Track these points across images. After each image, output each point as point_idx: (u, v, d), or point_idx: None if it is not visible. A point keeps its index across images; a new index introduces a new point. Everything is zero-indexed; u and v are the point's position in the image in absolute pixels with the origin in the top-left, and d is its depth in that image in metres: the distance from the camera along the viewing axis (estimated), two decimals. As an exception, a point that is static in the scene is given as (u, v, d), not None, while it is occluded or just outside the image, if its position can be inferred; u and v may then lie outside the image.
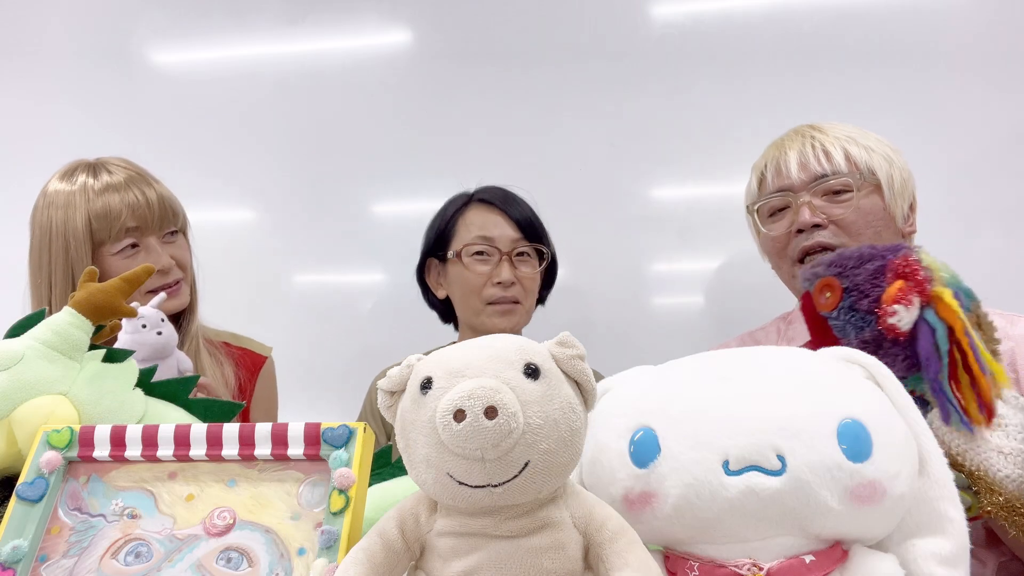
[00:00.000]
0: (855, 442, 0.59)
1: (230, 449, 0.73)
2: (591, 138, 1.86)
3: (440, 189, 1.58)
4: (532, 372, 0.57)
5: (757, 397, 0.62)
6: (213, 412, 0.91)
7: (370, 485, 0.78)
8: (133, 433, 0.74)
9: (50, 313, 0.89)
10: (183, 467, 0.74)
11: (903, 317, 0.75)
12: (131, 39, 2.09)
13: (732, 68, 1.80)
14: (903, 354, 0.75)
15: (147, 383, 0.91)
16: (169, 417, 0.88)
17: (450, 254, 1.49)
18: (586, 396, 0.60)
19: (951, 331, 0.74)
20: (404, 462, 0.60)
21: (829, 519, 0.59)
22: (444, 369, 0.57)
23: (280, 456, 0.73)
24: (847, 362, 0.67)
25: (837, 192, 1.21)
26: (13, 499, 0.72)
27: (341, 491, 0.69)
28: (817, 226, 1.20)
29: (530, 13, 1.91)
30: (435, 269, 1.54)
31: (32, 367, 0.82)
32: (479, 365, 0.56)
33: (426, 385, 0.57)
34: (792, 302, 1.37)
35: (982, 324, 0.83)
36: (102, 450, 0.74)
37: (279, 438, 0.73)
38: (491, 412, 0.53)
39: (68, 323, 0.86)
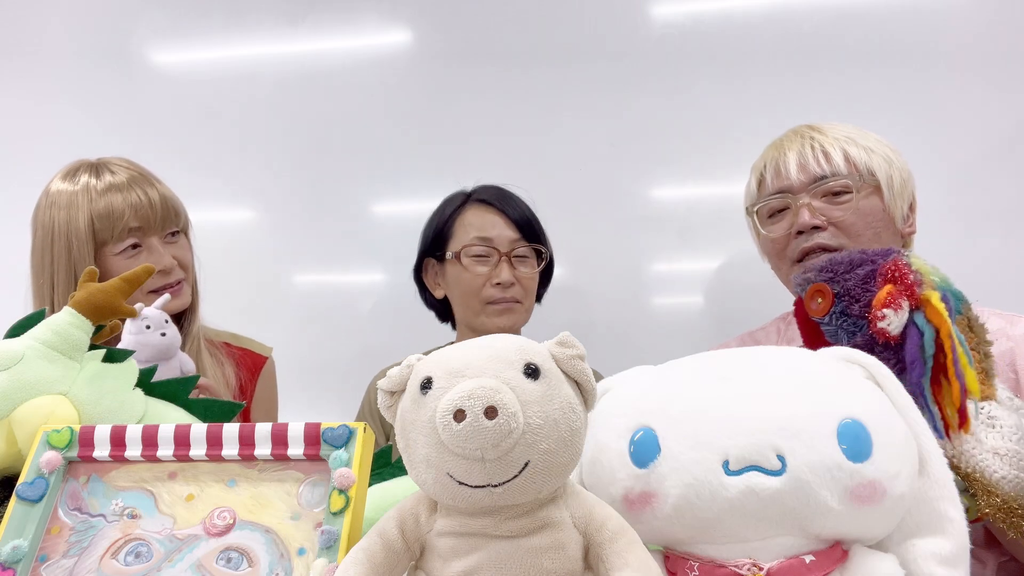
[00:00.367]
0: (855, 442, 0.59)
1: (230, 449, 0.73)
2: (591, 138, 1.86)
3: (440, 189, 1.58)
4: (532, 372, 0.57)
5: (757, 397, 0.62)
6: (213, 412, 0.91)
7: (370, 485, 0.78)
8: (133, 433, 0.74)
9: (52, 313, 0.89)
10: (183, 467, 0.74)
11: (893, 321, 0.75)
12: (131, 39, 2.09)
13: (732, 68, 1.80)
14: (895, 358, 0.76)
15: (147, 383, 0.91)
16: (169, 417, 0.89)
17: (448, 255, 1.49)
18: (586, 396, 0.60)
19: (938, 334, 0.74)
20: (404, 462, 0.60)
21: (829, 519, 0.59)
22: (444, 369, 0.57)
23: (280, 456, 0.73)
24: (847, 362, 0.67)
25: (836, 193, 1.21)
26: (13, 499, 0.72)
27: (341, 491, 0.69)
28: (817, 228, 1.20)
29: (530, 13, 1.91)
30: (433, 269, 1.54)
31: (32, 367, 0.82)
32: (479, 365, 0.56)
33: (426, 385, 0.57)
34: (792, 303, 1.37)
35: (973, 326, 0.83)
36: (102, 450, 0.74)
37: (279, 438, 0.73)
38: (491, 412, 0.53)
39: (68, 323, 0.86)
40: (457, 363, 0.57)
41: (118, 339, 0.99)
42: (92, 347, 0.89)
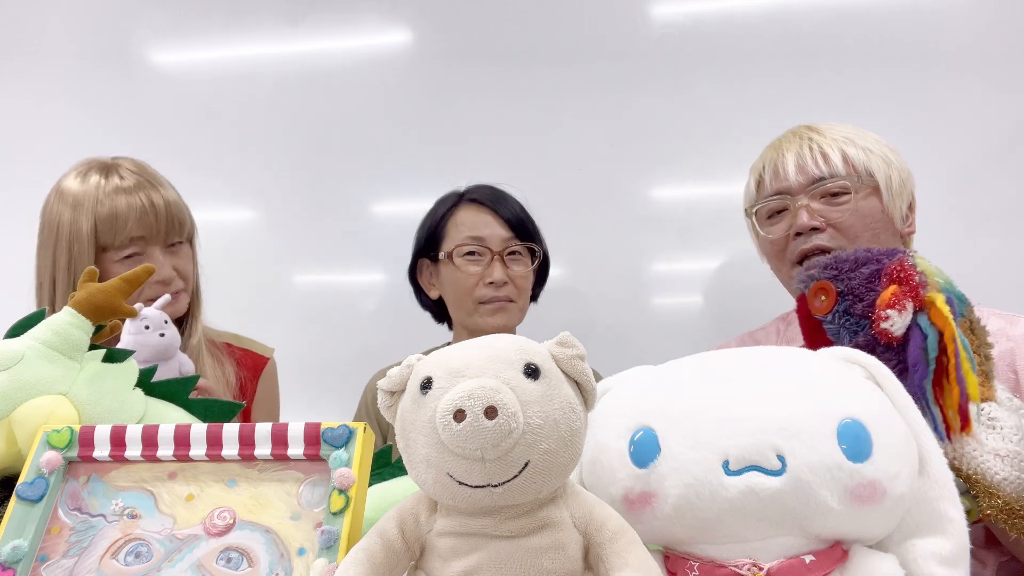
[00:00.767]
0: (855, 442, 0.59)
1: (230, 449, 0.73)
2: (591, 138, 1.86)
3: (440, 189, 1.58)
4: (532, 372, 0.57)
5: (757, 397, 0.62)
6: (213, 412, 0.91)
7: (370, 485, 0.78)
8: (133, 433, 0.74)
9: (52, 311, 0.89)
10: (183, 467, 0.74)
11: (896, 322, 0.75)
12: (131, 39, 2.09)
13: (732, 68, 1.80)
14: (896, 359, 0.75)
15: (147, 383, 0.91)
16: (169, 417, 0.88)
17: (441, 255, 1.49)
18: (586, 396, 0.60)
19: (941, 337, 0.74)
20: (404, 462, 0.60)
21: (829, 519, 0.59)
22: (444, 369, 0.57)
23: (280, 456, 0.73)
24: (847, 362, 0.67)
25: (835, 195, 1.21)
26: (13, 499, 0.72)
27: (341, 491, 0.69)
28: (815, 229, 1.20)
29: (530, 13, 1.91)
30: (427, 269, 1.54)
31: (32, 367, 0.82)
32: (479, 365, 0.56)
33: (426, 385, 0.57)
34: (791, 303, 1.37)
35: (975, 329, 0.83)
36: (102, 450, 0.74)
37: (279, 438, 0.73)
38: (491, 412, 0.53)
39: (68, 323, 0.86)
40: (457, 363, 0.57)
41: (118, 339, 0.99)
42: (92, 347, 0.89)
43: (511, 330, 1.49)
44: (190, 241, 1.36)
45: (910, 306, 0.75)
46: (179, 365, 1.06)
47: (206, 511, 0.72)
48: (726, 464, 0.59)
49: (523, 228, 1.49)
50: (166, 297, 1.08)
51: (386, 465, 0.86)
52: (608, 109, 1.86)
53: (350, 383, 1.62)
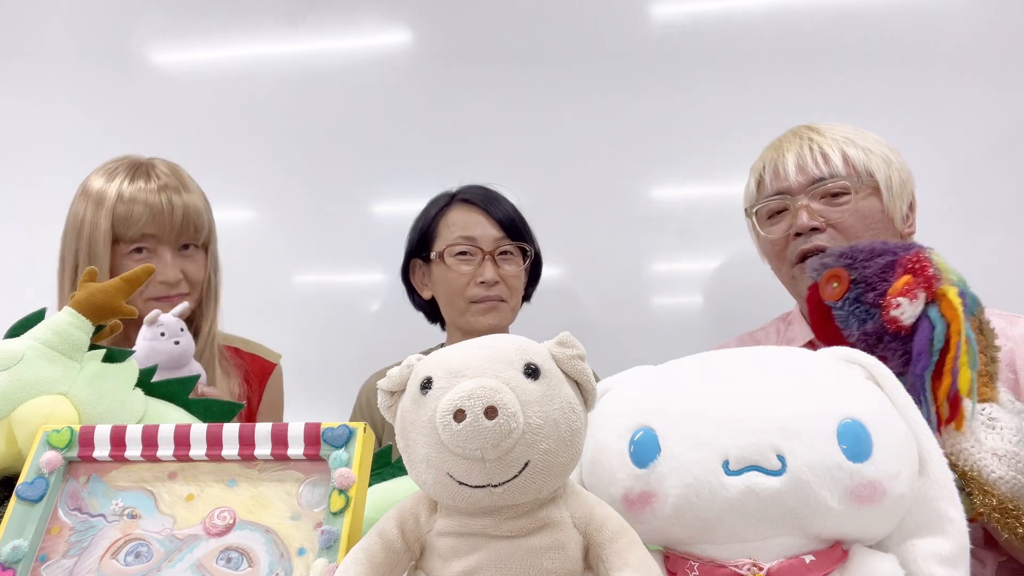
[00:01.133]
0: (855, 442, 0.59)
1: (230, 449, 0.73)
2: (591, 138, 1.86)
3: (439, 189, 1.58)
4: (532, 372, 0.57)
5: (757, 397, 0.62)
6: (213, 412, 0.91)
7: (370, 485, 0.78)
8: (133, 433, 0.74)
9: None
10: (183, 467, 0.74)
11: (906, 311, 0.75)
12: (131, 39, 2.08)
13: (732, 68, 1.80)
14: (902, 349, 0.76)
15: (147, 383, 0.91)
16: (169, 417, 0.88)
17: (433, 255, 1.49)
18: (586, 396, 0.60)
19: (948, 329, 0.74)
20: (404, 462, 0.60)
21: (829, 519, 0.59)
22: (444, 369, 0.57)
23: (280, 456, 0.73)
24: (847, 362, 0.67)
25: (835, 195, 1.21)
26: (13, 499, 0.72)
27: (341, 491, 0.69)
28: (815, 229, 1.20)
29: (530, 13, 1.91)
30: (419, 270, 1.55)
31: (32, 367, 0.82)
32: (479, 365, 0.56)
33: (426, 385, 0.57)
34: (791, 303, 1.37)
35: (984, 330, 0.83)
36: (102, 450, 0.74)
37: (279, 438, 0.73)
38: (491, 412, 0.53)
39: (68, 323, 0.86)
40: (457, 363, 0.57)
41: (128, 340, 0.99)
42: (92, 347, 0.89)
43: (503, 330, 1.49)
44: (206, 249, 1.35)
45: (922, 296, 0.75)
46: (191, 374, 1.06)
47: (206, 511, 0.72)
48: (726, 464, 0.59)
49: (514, 228, 1.49)
50: (184, 305, 1.08)
51: (386, 465, 0.86)
52: (608, 109, 1.86)
53: (350, 383, 1.62)
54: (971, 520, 0.73)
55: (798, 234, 1.21)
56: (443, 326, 1.59)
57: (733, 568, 0.60)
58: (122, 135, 1.88)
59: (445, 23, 1.96)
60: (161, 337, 1.01)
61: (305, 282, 2.00)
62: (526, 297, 1.56)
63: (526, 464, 0.55)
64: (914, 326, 0.75)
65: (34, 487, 0.73)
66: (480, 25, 1.94)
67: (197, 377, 0.97)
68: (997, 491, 0.74)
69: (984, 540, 0.92)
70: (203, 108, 2.03)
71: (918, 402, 0.73)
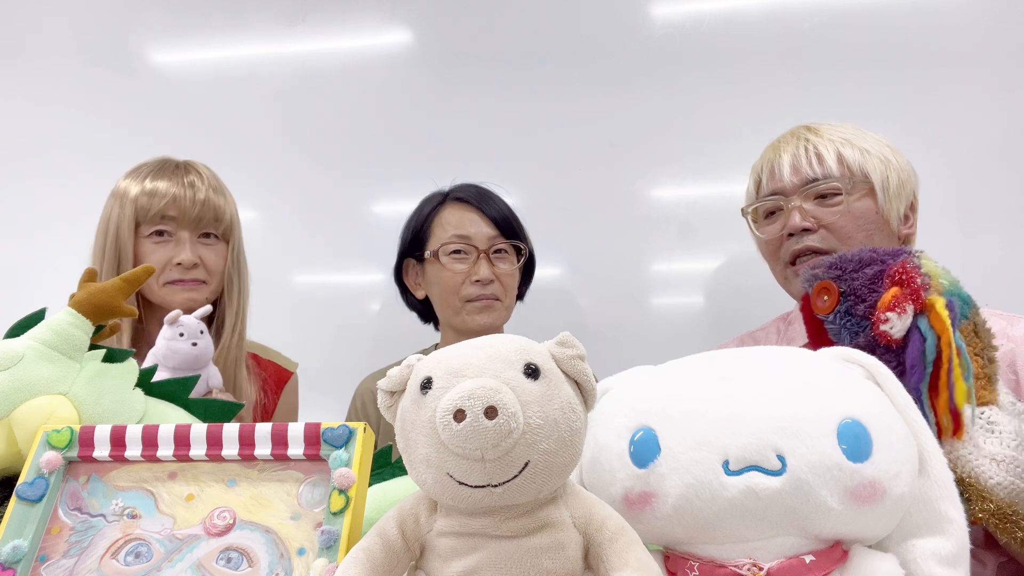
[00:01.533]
0: (855, 442, 0.59)
1: (230, 449, 0.73)
2: (591, 138, 1.86)
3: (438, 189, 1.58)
4: (532, 372, 0.57)
5: (757, 397, 0.62)
6: (213, 412, 0.91)
7: (370, 485, 0.78)
8: (133, 433, 0.74)
9: None
10: (183, 467, 0.74)
11: (895, 325, 0.75)
12: (131, 39, 2.09)
13: (732, 68, 1.80)
14: (895, 361, 0.75)
15: (147, 383, 0.91)
16: (169, 417, 0.89)
17: (427, 254, 1.48)
18: (586, 396, 0.60)
19: (939, 342, 0.74)
20: (404, 462, 0.60)
21: (829, 519, 0.59)
22: (444, 369, 0.57)
23: (280, 456, 0.73)
24: (847, 362, 0.67)
25: (827, 196, 1.20)
26: (13, 499, 0.72)
27: (341, 491, 0.69)
28: (807, 230, 1.20)
29: (530, 14, 1.91)
30: (413, 269, 1.54)
31: (32, 367, 0.82)
32: (479, 365, 0.56)
33: (426, 385, 0.57)
34: (791, 303, 1.37)
35: (979, 331, 0.83)
36: (102, 450, 0.74)
37: (279, 438, 0.73)
38: (491, 412, 0.53)
39: (68, 323, 0.86)
40: (457, 363, 0.57)
41: (147, 343, 0.99)
42: (92, 347, 0.89)
43: (498, 329, 1.49)
44: (227, 240, 1.36)
45: (910, 309, 0.75)
46: (207, 377, 1.05)
47: (206, 511, 0.72)
48: (726, 464, 0.59)
49: (508, 226, 1.49)
50: (207, 308, 1.08)
51: (386, 465, 0.86)
52: (608, 109, 1.86)
53: (350, 383, 1.62)
54: (974, 523, 0.73)
55: (791, 234, 1.21)
56: (436, 326, 1.58)
57: (733, 568, 0.60)
58: (122, 135, 1.88)
59: (445, 23, 1.96)
60: (180, 338, 1.01)
61: (305, 282, 2.00)
62: (520, 296, 1.56)
63: (526, 464, 0.55)
64: (905, 338, 0.75)
65: (34, 487, 0.73)
66: (480, 25, 1.94)
67: (197, 377, 0.97)
68: (995, 497, 0.74)
69: (984, 541, 0.92)
70: (203, 108, 2.03)
71: None
